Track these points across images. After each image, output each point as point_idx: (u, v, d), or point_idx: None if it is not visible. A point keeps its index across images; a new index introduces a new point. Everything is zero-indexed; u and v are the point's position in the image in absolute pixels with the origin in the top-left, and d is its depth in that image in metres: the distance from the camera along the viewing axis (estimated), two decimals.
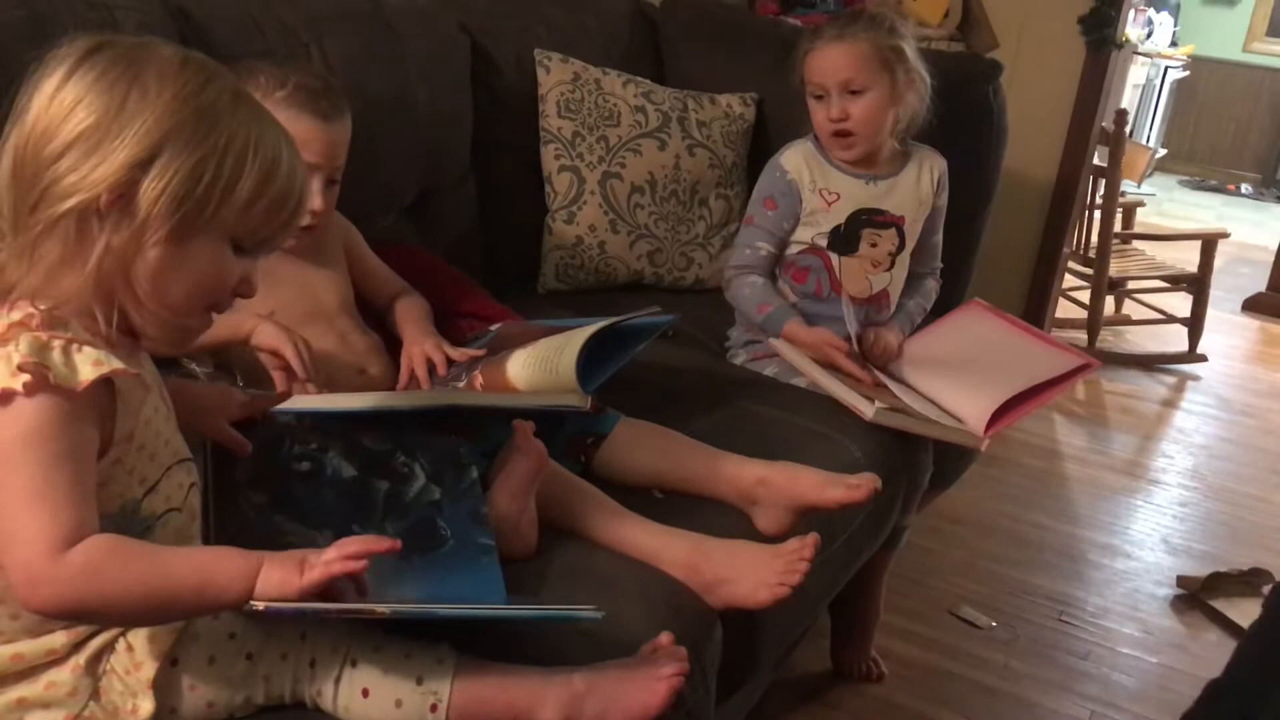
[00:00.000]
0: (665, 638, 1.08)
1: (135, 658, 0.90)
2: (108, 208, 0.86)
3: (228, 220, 0.90)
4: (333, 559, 0.85)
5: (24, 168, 0.86)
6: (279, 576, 0.84)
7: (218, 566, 0.85)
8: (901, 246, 1.93)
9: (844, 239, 1.90)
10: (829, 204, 1.90)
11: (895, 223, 1.92)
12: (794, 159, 1.92)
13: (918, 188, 1.95)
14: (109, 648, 0.90)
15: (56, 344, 0.83)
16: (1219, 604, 2.43)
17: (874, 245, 1.91)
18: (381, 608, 0.88)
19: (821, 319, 1.86)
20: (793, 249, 1.92)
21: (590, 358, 1.39)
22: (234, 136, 0.89)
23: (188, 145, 0.87)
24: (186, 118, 0.87)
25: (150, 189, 0.86)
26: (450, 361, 1.51)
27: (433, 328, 1.58)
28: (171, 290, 0.90)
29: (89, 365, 0.84)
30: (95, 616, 0.88)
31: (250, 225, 0.92)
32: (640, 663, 1.04)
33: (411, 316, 1.58)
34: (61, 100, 0.86)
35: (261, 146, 0.90)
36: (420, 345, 1.52)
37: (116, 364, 0.85)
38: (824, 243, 1.90)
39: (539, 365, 1.39)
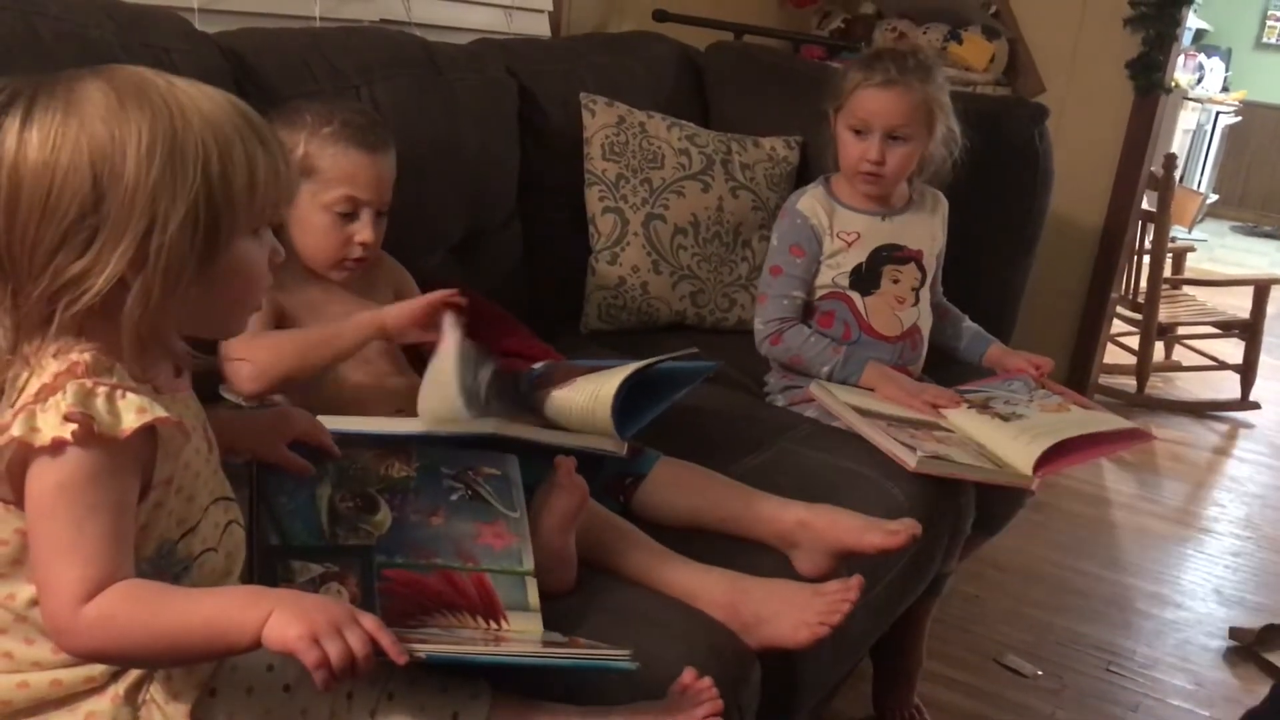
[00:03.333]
0: (689, 675, 1.07)
1: (174, 688, 0.91)
2: (130, 279, 0.85)
3: (241, 220, 0.90)
4: (336, 658, 0.81)
5: (15, 257, 0.85)
6: (280, 638, 0.82)
7: (228, 619, 0.83)
8: (923, 281, 1.94)
9: (865, 277, 1.91)
10: (849, 244, 1.91)
11: (914, 257, 1.94)
12: (809, 204, 1.93)
13: (930, 223, 1.97)
14: (149, 677, 0.91)
15: (101, 391, 0.84)
16: (1274, 657, 2.37)
17: (896, 281, 1.92)
18: (421, 650, 0.88)
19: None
20: (814, 294, 1.93)
21: (629, 403, 1.39)
22: (208, 153, 0.86)
23: (175, 190, 0.85)
24: (161, 167, 0.84)
25: (161, 249, 0.85)
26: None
27: None
28: (218, 307, 0.92)
29: (132, 413, 0.84)
30: (118, 661, 0.89)
31: (261, 209, 0.91)
32: (675, 704, 1.03)
33: None
34: (23, 180, 0.83)
35: (231, 142, 0.88)
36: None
37: (160, 412, 0.85)
38: (845, 283, 1.90)
39: (574, 413, 1.40)
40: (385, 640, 0.84)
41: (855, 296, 1.91)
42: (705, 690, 1.05)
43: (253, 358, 1.29)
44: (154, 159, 0.84)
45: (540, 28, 2.54)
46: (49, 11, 1.38)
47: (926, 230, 1.95)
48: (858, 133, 1.87)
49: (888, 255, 1.92)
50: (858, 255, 1.91)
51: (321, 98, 1.57)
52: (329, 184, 1.43)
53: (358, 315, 1.40)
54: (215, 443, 1.00)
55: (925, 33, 3.45)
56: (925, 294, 1.95)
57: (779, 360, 1.95)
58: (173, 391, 0.94)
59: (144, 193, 0.84)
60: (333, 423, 1.26)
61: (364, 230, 1.45)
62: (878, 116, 1.84)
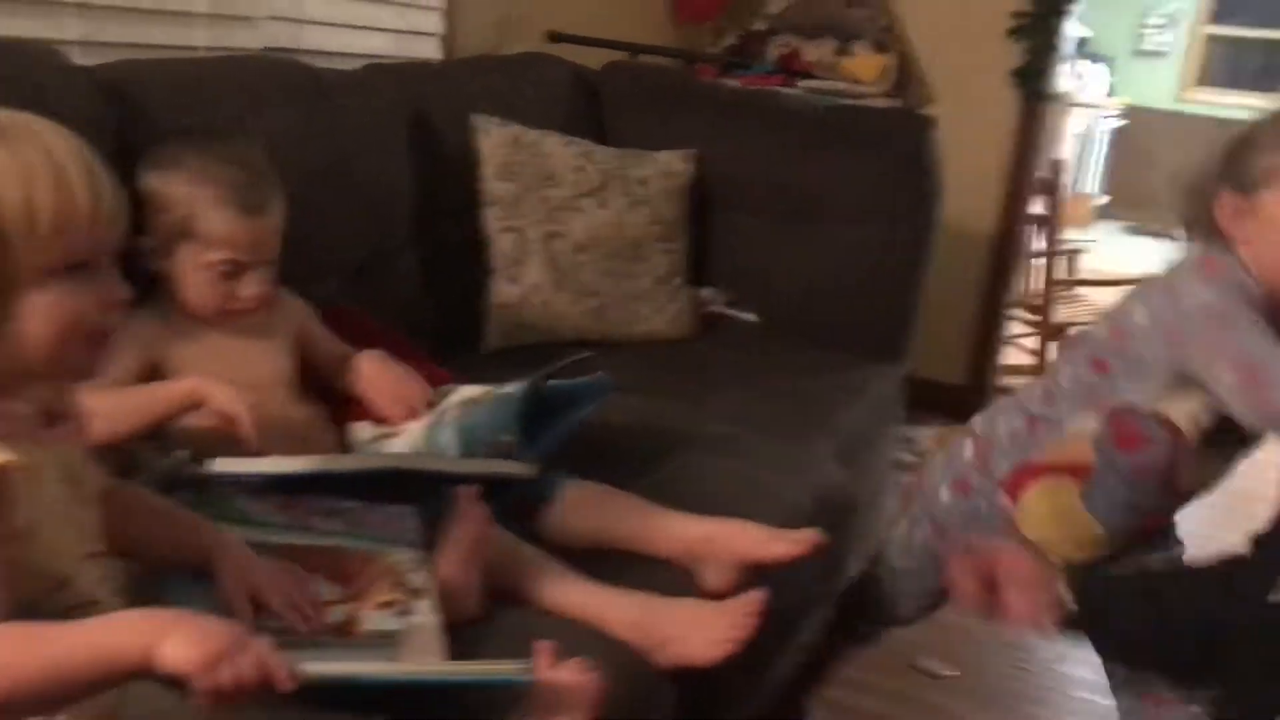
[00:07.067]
0: (544, 645, 1.08)
1: None
2: None
3: (22, 257, 0.85)
4: (229, 684, 0.80)
5: None
6: (175, 662, 0.80)
7: (118, 644, 0.81)
8: None
9: None
10: None
11: None
12: None
13: None
14: None
15: None
16: None
17: None
18: (313, 669, 0.86)
19: None
20: None
21: (530, 423, 1.39)
22: None
23: None
24: None
25: None
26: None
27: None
28: (31, 348, 0.87)
29: None
30: (8, 710, 0.85)
31: (50, 253, 0.85)
32: (552, 690, 1.04)
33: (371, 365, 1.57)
34: None
35: (12, 179, 0.83)
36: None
37: (4, 455, 0.82)
38: None
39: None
40: (274, 665, 0.82)
41: None
42: (573, 670, 1.07)
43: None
44: None
45: (431, 51, 2.53)
46: None
47: None
48: None
49: None
50: None
51: (199, 140, 1.50)
52: (210, 246, 1.41)
53: (175, 383, 1.36)
54: (94, 498, 0.96)
55: (816, 47, 3.50)
56: None
57: None
58: (35, 439, 0.90)
59: None
60: (228, 465, 1.24)
61: (248, 286, 1.44)
62: None
